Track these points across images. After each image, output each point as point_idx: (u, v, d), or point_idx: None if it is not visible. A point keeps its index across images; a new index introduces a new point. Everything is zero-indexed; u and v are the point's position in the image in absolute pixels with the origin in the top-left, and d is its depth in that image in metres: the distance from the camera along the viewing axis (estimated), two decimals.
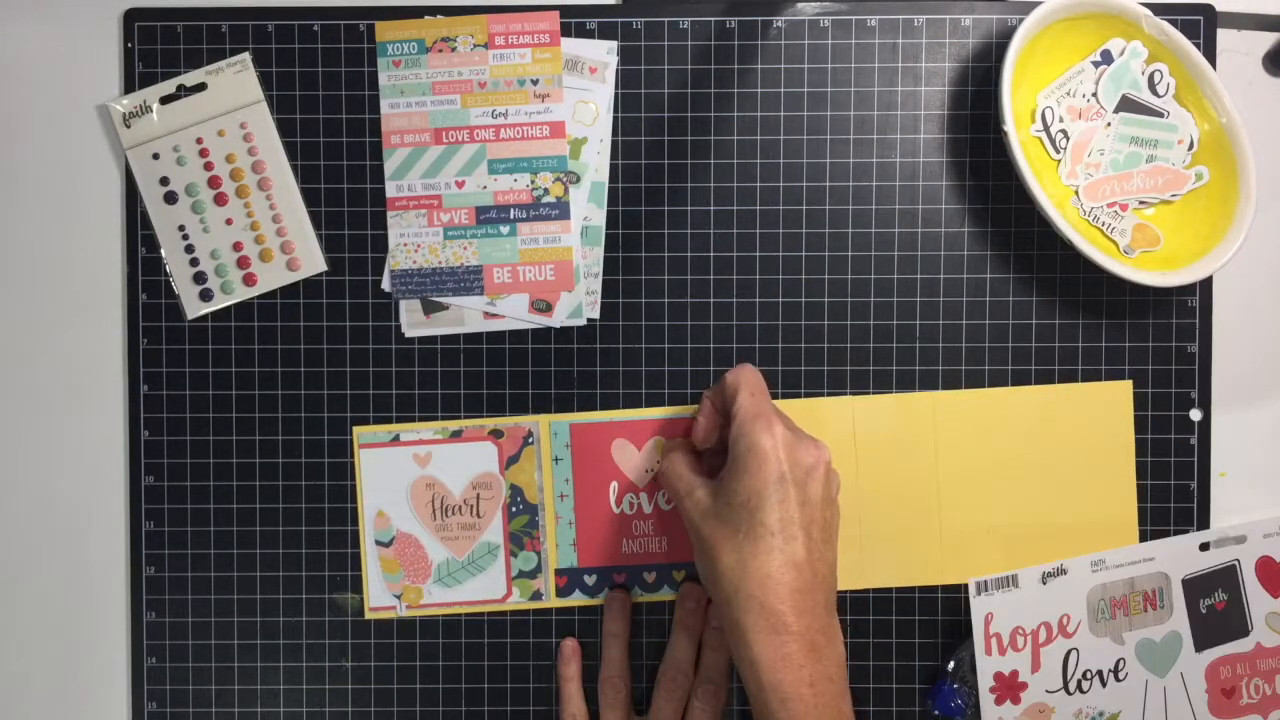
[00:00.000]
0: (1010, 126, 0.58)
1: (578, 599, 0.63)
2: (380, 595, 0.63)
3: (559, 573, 0.63)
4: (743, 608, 0.52)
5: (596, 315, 0.63)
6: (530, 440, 0.63)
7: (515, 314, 0.63)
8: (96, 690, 0.64)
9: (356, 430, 0.63)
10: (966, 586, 0.61)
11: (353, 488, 0.63)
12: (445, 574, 0.63)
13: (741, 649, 0.52)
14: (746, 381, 0.56)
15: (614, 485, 0.63)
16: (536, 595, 0.63)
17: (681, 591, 0.62)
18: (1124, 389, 0.63)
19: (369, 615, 0.63)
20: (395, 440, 0.63)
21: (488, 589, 0.63)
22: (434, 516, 0.63)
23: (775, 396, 0.63)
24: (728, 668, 0.61)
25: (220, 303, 0.63)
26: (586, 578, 0.63)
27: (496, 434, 0.63)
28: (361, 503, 0.63)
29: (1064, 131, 0.61)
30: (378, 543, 0.63)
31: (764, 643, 0.51)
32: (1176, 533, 0.63)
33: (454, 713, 0.63)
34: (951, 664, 0.61)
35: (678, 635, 0.61)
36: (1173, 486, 0.63)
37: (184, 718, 0.63)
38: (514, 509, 0.63)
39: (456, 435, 0.63)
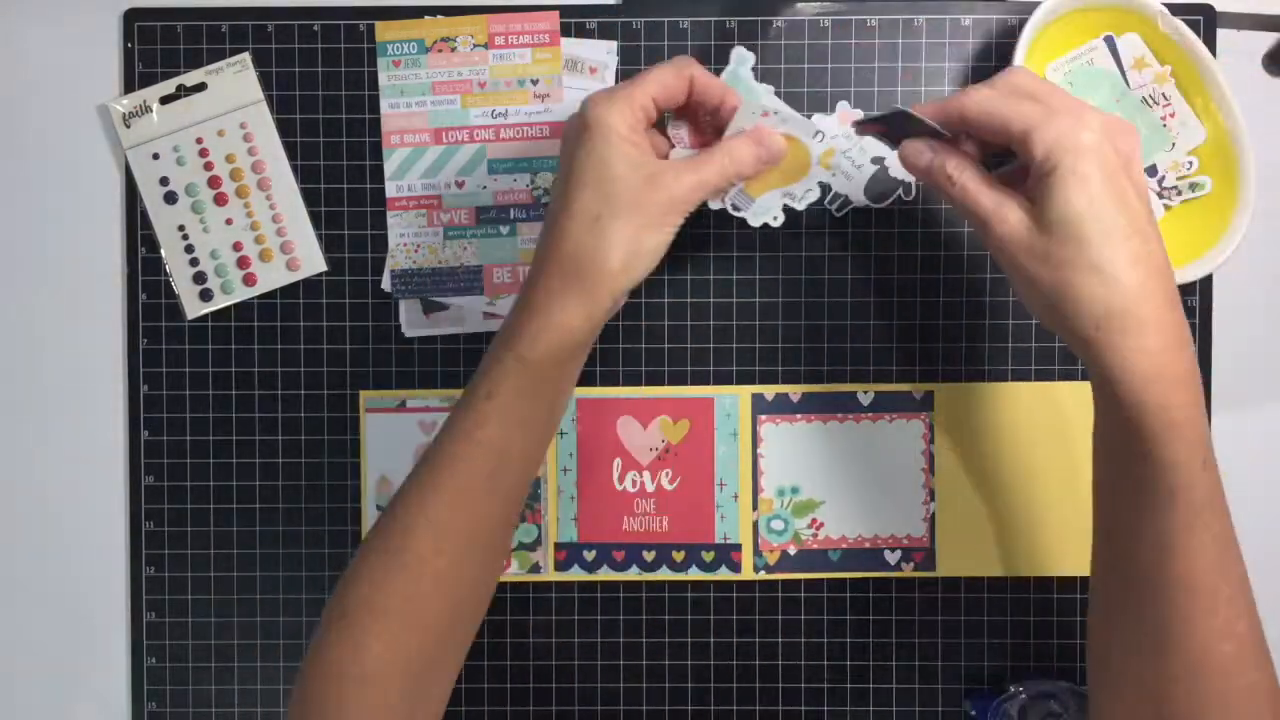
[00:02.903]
0: None
1: (576, 574, 0.63)
2: None
3: (559, 546, 0.63)
4: (1119, 327, 0.45)
5: None
6: None
7: None
8: (96, 690, 0.64)
9: (363, 394, 0.63)
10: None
11: (354, 488, 0.63)
12: None
13: (1120, 364, 0.45)
14: (1044, 86, 0.47)
15: (617, 462, 0.63)
16: (535, 568, 0.63)
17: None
18: None
19: None
20: (401, 406, 0.63)
21: None
22: None
23: (775, 395, 0.63)
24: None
25: (220, 303, 0.63)
26: (586, 553, 0.63)
27: None
28: (365, 467, 0.63)
29: None
30: (379, 508, 0.63)
31: (1141, 358, 0.45)
32: None
33: (454, 713, 0.63)
34: (1011, 690, 0.60)
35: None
36: None
37: (184, 718, 0.63)
38: None
39: None
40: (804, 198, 0.56)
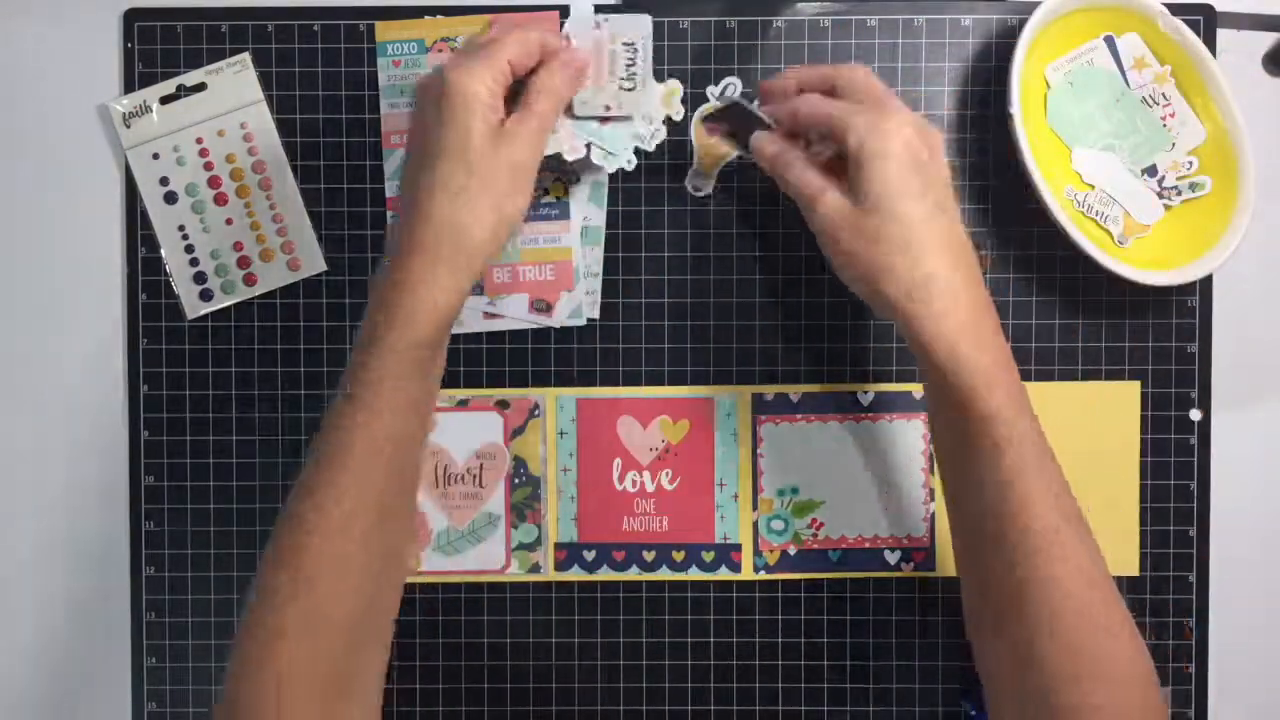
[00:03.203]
0: (1016, 110, 0.58)
1: (576, 574, 0.63)
2: None
3: (558, 546, 0.63)
4: (922, 296, 0.49)
5: (596, 315, 0.63)
6: (536, 413, 0.63)
7: (515, 314, 0.63)
8: (96, 690, 0.64)
9: None
10: None
11: None
12: (445, 542, 0.63)
13: (927, 327, 0.50)
14: (868, 77, 0.53)
15: (617, 462, 0.63)
16: (535, 568, 0.63)
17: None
18: (1131, 390, 0.63)
19: None
20: None
21: (486, 559, 0.63)
22: (436, 484, 0.63)
23: (775, 395, 0.63)
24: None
25: (220, 303, 0.63)
26: (585, 553, 0.63)
27: (503, 405, 0.63)
28: None
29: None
30: None
31: (955, 313, 0.50)
32: (1176, 532, 0.63)
33: (454, 713, 0.63)
34: None
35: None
36: (1173, 486, 0.63)
37: (184, 718, 0.63)
38: (517, 480, 0.63)
39: (463, 404, 0.63)
40: (653, 139, 0.58)
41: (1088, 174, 0.61)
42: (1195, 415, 0.63)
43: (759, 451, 0.63)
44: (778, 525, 0.63)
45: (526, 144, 0.52)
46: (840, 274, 0.53)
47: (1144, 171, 0.61)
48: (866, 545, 0.63)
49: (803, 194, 0.53)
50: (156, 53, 0.63)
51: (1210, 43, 0.62)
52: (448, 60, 0.52)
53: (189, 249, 0.63)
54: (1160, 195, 0.61)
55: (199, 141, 0.63)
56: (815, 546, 0.63)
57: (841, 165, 0.52)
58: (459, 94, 0.50)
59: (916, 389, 0.63)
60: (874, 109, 0.51)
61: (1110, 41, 0.61)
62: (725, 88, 0.62)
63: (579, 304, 0.63)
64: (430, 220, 0.50)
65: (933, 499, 0.63)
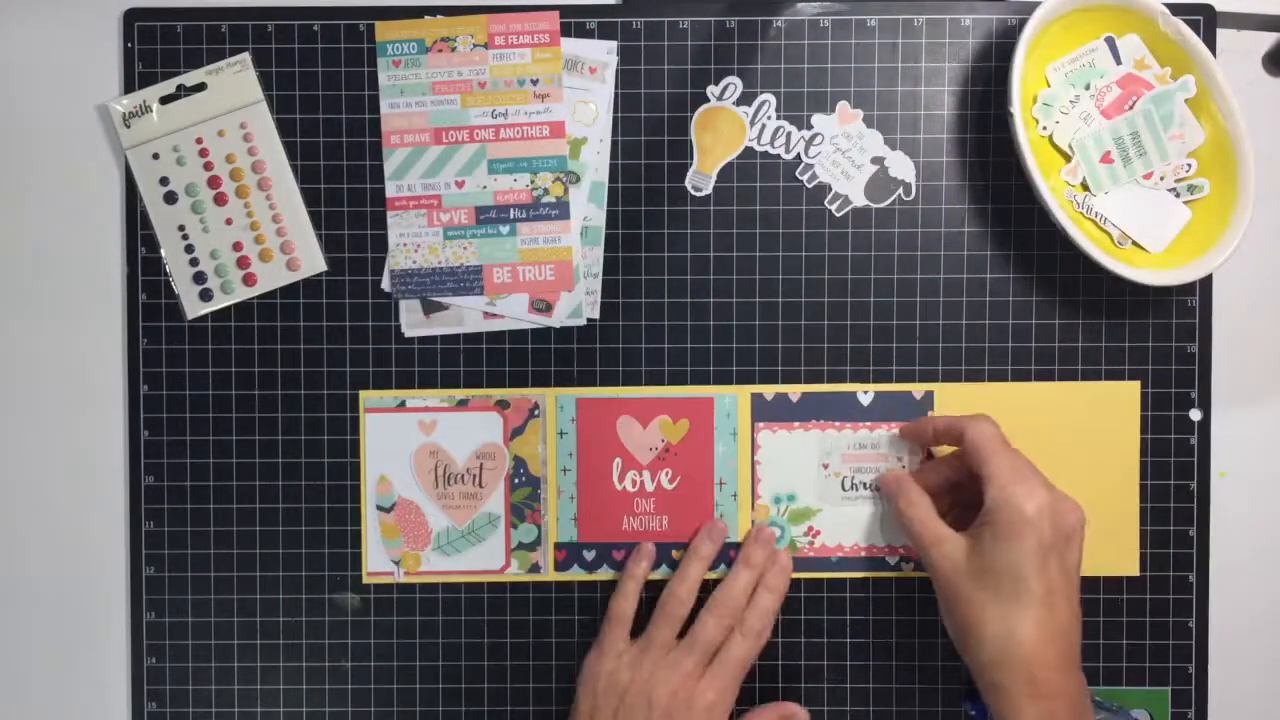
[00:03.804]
0: (1016, 108, 0.58)
1: (576, 574, 0.63)
2: (379, 560, 0.63)
3: (558, 546, 0.63)
4: (1010, 676, 0.53)
5: (596, 315, 0.63)
6: (536, 413, 0.63)
7: (515, 314, 0.63)
8: (96, 690, 0.64)
9: (363, 394, 0.63)
10: None
11: (354, 488, 0.63)
12: (445, 542, 0.63)
13: (1006, 712, 0.53)
14: (996, 436, 0.56)
15: (617, 462, 0.63)
16: (535, 568, 0.63)
17: (754, 532, 0.62)
18: (1131, 390, 0.63)
19: (366, 580, 0.63)
20: (401, 406, 0.63)
21: (486, 559, 0.63)
22: (436, 484, 0.63)
23: (775, 395, 0.63)
24: (775, 612, 0.60)
25: (220, 303, 0.63)
26: (585, 553, 0.63)
27: (502, 405, 0.63)
28: (365, 467, 0.63)
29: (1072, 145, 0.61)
30: (379, 508, 0.63)
31: (1031, 710, 0.52)
32: (1176, 532, 0.63)
33: (454, 713, 0.63)
34: None
35: (740, 571, 0.61)
36: (1173, 486, 0.63)
37: (184, 718, 0.63)
38: (516, 480, 0.63)
39: (463, 404, 0.63)
40: None
41: (1114, 218, 0.61)
42: (1195, 415, 0.63)
43: (756, 459, 0.63)
44: (774, 532, 0.63)
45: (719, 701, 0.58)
46: (944, 618, 0.57)
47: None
48: (863, 554, 0.63)
49: (920, 539, 0.57)
50: (156, 53, 0.63)
51: (1210, 43, 0.62)
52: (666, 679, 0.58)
53: (189, 249, 0.63)
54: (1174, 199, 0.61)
55: (199, 141, 0.63)
56: (811, 555, 0.63)
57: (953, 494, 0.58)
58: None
59: (917, 389, 0.63)
60: (1022, 480, 0.54)
61: (1110, 42, 0.61)
62: (725, 88, 0.62)
63: (579, 304, 0.63)
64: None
65: None
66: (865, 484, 0.62)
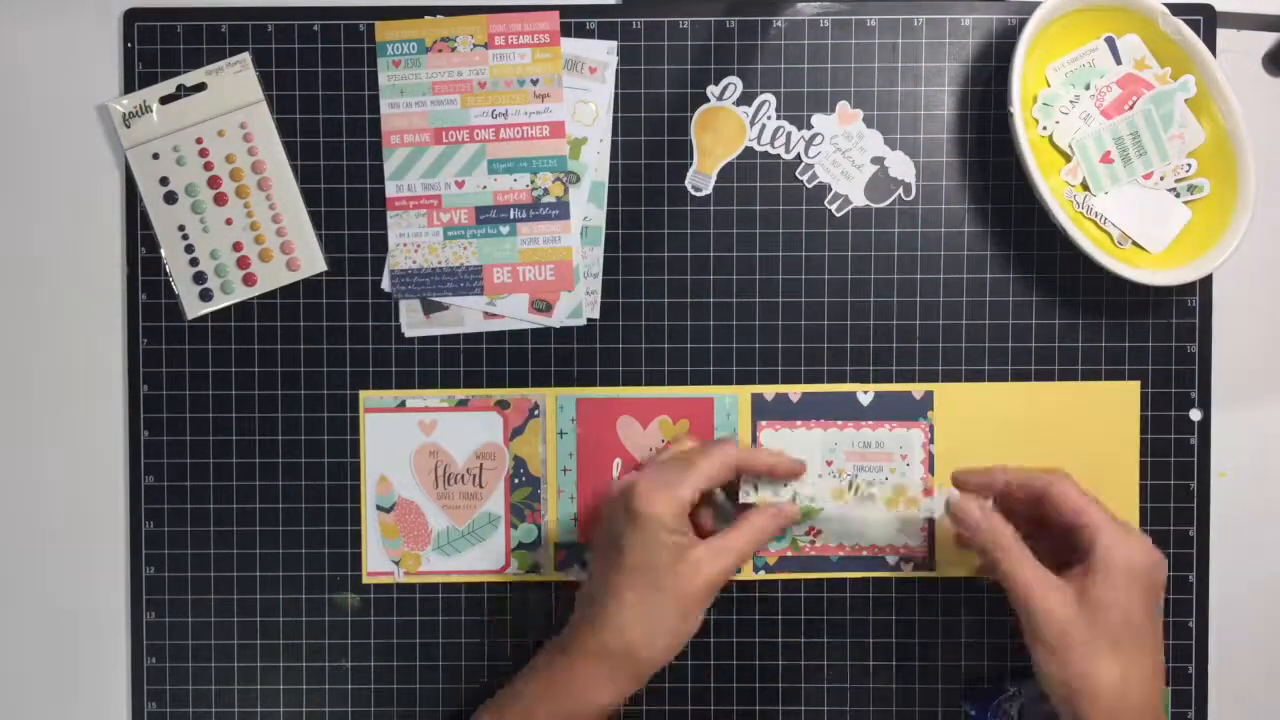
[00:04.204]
0: (1016, 108, 0.58)
1: (576, 574, 0.63)
2: (379, 560, 0.63)
3: (558, 546, 0.63)
4: None
5: (596, 315, 0.63)
6: (536, 413, 0.63)
7: (515, 314, 0.63)
8: (96, 690, 0.64)
9: (363, 394, 0.63)
10: None
11: (354, 488, 0.63)
12: (445, 542, 0.63)
13: None
14: (1084, 493, 0.55)
15: (617, 462, 0.63)
16: (535, 568, 0.63)
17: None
18: (1131, 390, 0.63)
19: (366, 580, 0.63)
20: (401, 406, 0.63)
21: (486, 559, 0.63)
22: (436, 484, 0.63)
23: (775, 395, 0.63)
24: (763, 530, 0.57)
25: (220, 303, 0.63)
26: (586, 553, 0.63)
27: (502, 405, 0.63)
28: (365, 467, 0.63)
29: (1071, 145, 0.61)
30: (379, 508, 0.63)
31: None
32: (1176, 532, 0.63)
33: (454, 713, 0.63)
34: (1011, 690, 0.61)
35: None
36: (1173, 486, 0.63)
37: (184, 718, 0.63)
38: (516, 481, 0.63)
39: (463, 404, 0.63)
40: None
41: (1113, 218, 0.61)
42: (1195, 415, 0.63)
43: None
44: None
45: (721, 571, 0.54)
46: (1041, 668, 0.53)
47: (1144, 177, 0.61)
48: (865, 553, 0.63)
49: (1017, 581, 0.53)
50: (156, 53, 0.63)
51: (1210, 43, 0.62)
52: (640, 483, 0.54)
53: (189, 249, 0.63)
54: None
55: (199, 141, 0.63)
56: (813, 554, 0.63)
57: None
58: (644, 519, 0.53)
59: (917, 389, 0.63)
60: (1125, 532, 0.53)
61: (1111, 42, 0.61)
62: (725, 88, 0.62)
63: (579, 304, 0.63)
64: (608, 635, 0.53)
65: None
66: (868, 483, 0.62)
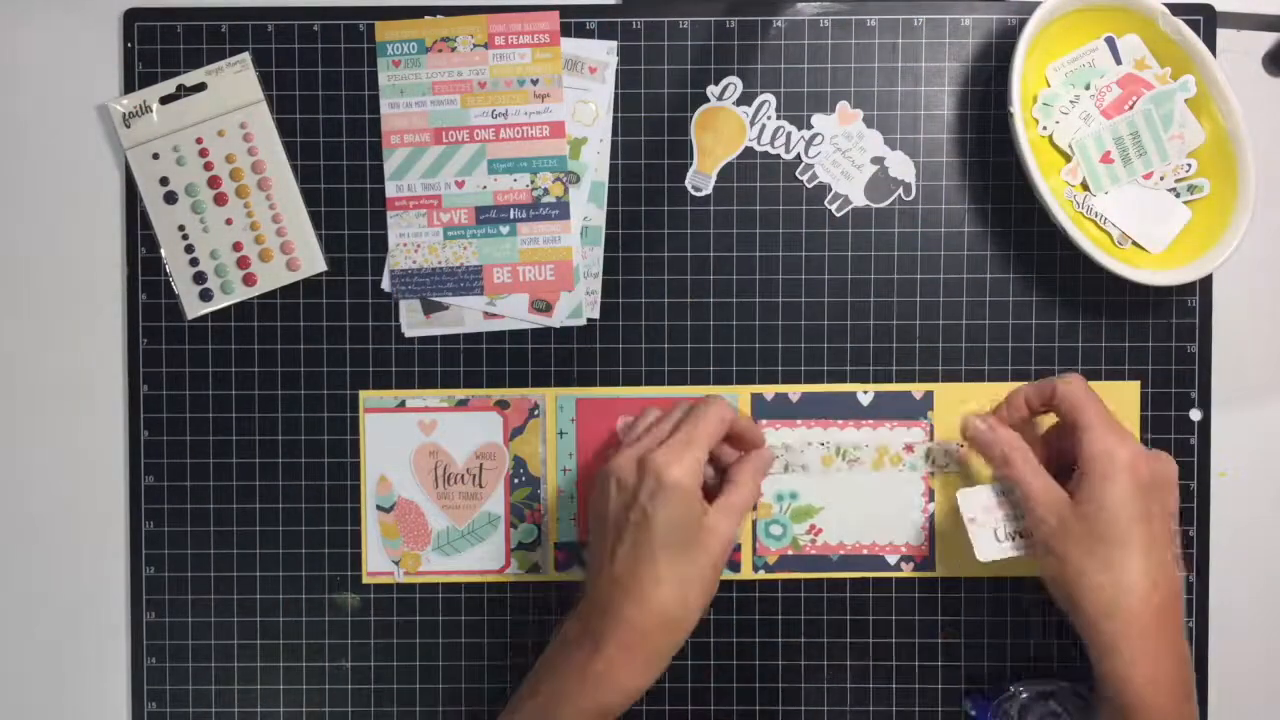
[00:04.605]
0: (1016, 108, 0.58)
1: (576, 574, 0.63)
2: (379, 560, 0.63)
3: (558, 546, 0.63)
4: (1120, 625, 0.52)
5: (596, 315, 0.63)
6: (536, 413, 0.63)
7: (515, 314, 0.63)
8: (96, 690, 0.64)
9: (363, 394, 0.63)
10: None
11: (354, 488, 0.63)
12: (444, 542, 0.63)
13: (1118, 666, 0.52)
14: (1086, 388, 0.56)
15: None
16: (535, 568, 0.63)
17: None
18: (1131, 389, 0.63)
19: (366, 580, 0.63)
20: (401, 406, 0.63)
21: (486, 559, 0.63)
22: (436, 484, 0.63)
23: (775, 395, 0.63)
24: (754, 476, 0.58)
25: (220, 303, 0.63)
26: (585, 552, 0.63)
27: (502, 405, 0.63)
28: (365, 467, 0.63)
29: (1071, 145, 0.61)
30: (379, 508, 0.63)
31: (1144, 665, 0.52)
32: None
33: (454, 713, 0.63)
34: (1011, 690, 0.61)
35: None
36: None
37: (184, 718, 0.63)
38: (516, 480, 0.63)
39: (462, 404, 0.63)
40: None
41: (1114, 218, 0.61)
42: (1195, 415, 0.63)
43: None
44: (776, 530, 0.63)
45: (731, 532, 0.54)
46: (1049, 583, 0.56)
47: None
48: (865, 552, 0.63)
49: (1024, 488, 0.55)
50: (156, 53, 0.63)
51: (1210, 43, 0.62)
52: (656, 451, 0.53)
53: (189, 249, 0.63)
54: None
55: (199, 141, 0.63)
56: (814, 552, 0.63)
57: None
58: (676, 488, 0.53)
59: (916, 389, 0.63)
60: (1115, 431, 0.54)
61: (1111, 42, 0.61)
62: (725, 87, 0.62)
63: (579, 304, 0.63)
64: (647, 609, 0.52)
65: (931, 501, 0.62)
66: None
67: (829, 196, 0.63)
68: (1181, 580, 0.54)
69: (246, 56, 0.63)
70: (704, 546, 0.53)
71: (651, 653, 0.53)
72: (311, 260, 0.63)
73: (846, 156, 0.63)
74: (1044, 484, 0.55)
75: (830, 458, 0.62)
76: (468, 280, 0.63)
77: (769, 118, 0.63)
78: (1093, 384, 0.62)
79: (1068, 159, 0.61)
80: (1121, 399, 0.63)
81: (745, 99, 0.63)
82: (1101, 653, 0.53)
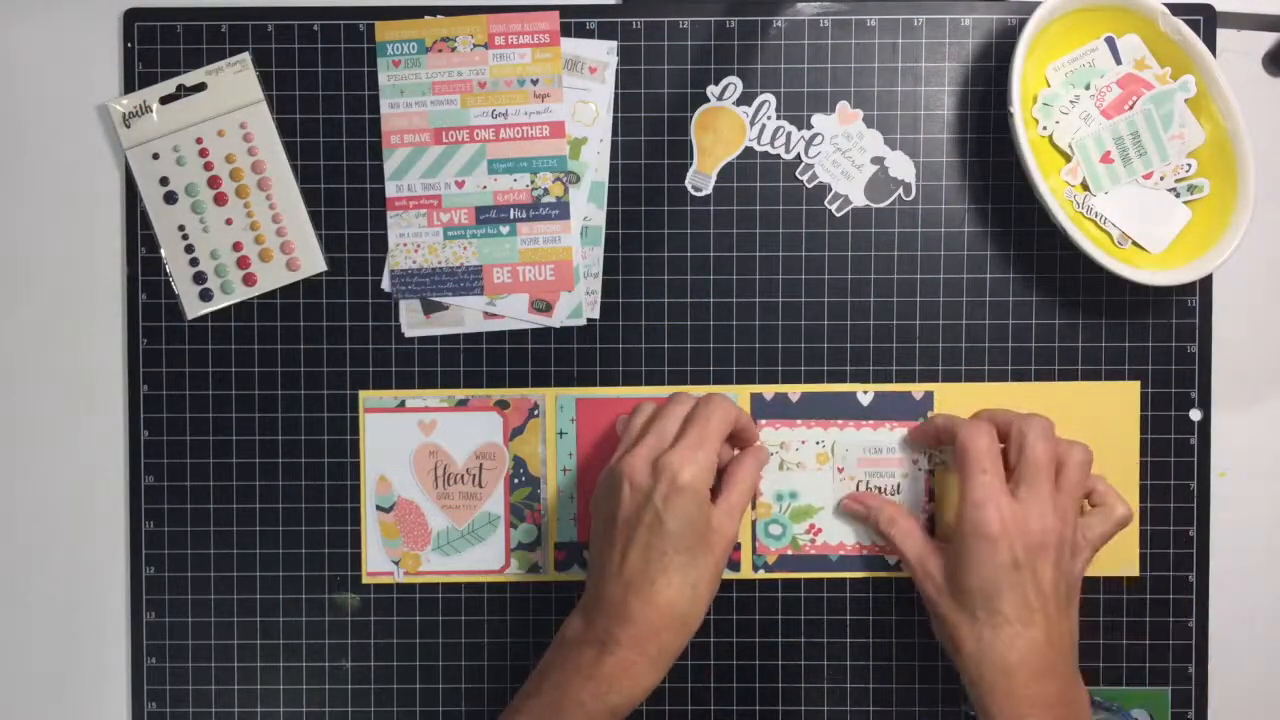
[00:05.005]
0: (1016, 108, 0.58)
1: (576, 574, 0.63)
2: (379, 560, 0.63)
3: (558, 546, 0.63)
4: (988, 693, 0.53)
5: (596, 315, 0.63)
6: (536, 413, 0.63)
7: (515, 314, 0.63)
8: (96, 690, 0.64)
9: (362, 394, 0.63)
10: None
11: (354, 488, 0.63)
12: (444, 542, 0.63)
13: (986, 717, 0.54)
14: (981, 449, 0.55)
15: None
16: (535, 568, 0.63)
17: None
18: (1131, 390, 0.63)
19: (366, 580, 0.63)
20: (401, 406, 0.63)
21: (486, 559, 0.63)
22: (436, 484, 0.63)
23: (775, 395, 0.63)
24: (753, 472, 0.58)
25: (220, 303, 0.63)
26: (585, 553, 0.63)
27: (502, 405, 0.63)
28: (365, 467, 0.63)
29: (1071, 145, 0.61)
30: (378, 508, 0.63)
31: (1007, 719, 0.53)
32: (1176, 532, 0.63)
33: (454, 713, 0.63)
34: None
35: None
36: (1173, 486, 0.63)
37: (184, 718, 0.63)
38: (516, 481, 0.63)
39: (462, 404, 0.63)
40: None
41: (1114, 218, 0.61)
42: (1195, 415, 0.63)
43: None
44: (775, 530, 0.63)
45: (734, 532, 0.55)
46: (932, 626, 0.57)
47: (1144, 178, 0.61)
48: (865, 552, 0.63)
49: (903, 556, 0.58)
50: (156, 53, 0.63)
51: (1210, 43, 0.62)
52: (670, 454, 0.54)
53: (189, 249, 0.63)
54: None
55: (199, 141, 0.63)
56: (813, 552, 0.63)
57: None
58: (693, 491, 0.53)
59: (916, 389, 0.63)
60: (990, 495, 0.54)
61: (1111, 42, 0.61)
62: (725, 88, 0.62)
63: (579, 304, 0.63)
64: (657, 609, 0.53)
65: (931, 501, 0.62)
66: (880, 488, 0.62)
67: (829, 196, 0.63)
68: (1067, 640, 0.54)
69: (246, 56, 0.63)
70: (710, 547, 0.54)
71: (661, 652, 0.53)
72: (311, 260, 0.63)
73: (846, 156, 0.63)
74: (921, 550, 0.57)
75: (825, 455, 0.62)
76: (468, 280, 0.63)
77: (769, 118, 0.63)
78: (1093, 384, 0.63)
79: (1068, 159, 0.61)
80: (1121, 399, 0.63)
81: (745, 99, 0.63)
82: (975, 704, 0.55)
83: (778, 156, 0.63)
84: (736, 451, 0.59)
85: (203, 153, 0.63)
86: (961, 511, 0.55)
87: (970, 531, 0.54)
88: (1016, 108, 0.58)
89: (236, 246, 0.63)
